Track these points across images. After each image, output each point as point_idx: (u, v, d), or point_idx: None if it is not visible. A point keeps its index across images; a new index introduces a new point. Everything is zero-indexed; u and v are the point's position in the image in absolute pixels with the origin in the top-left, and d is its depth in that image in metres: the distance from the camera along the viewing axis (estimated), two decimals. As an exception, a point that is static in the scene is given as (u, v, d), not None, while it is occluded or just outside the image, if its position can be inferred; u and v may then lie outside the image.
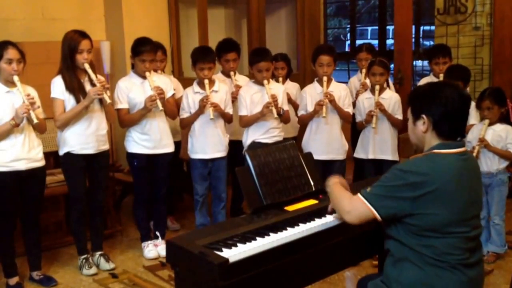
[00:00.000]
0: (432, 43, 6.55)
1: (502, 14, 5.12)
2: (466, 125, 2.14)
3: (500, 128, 3.74)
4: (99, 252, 3.90)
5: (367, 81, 4.26)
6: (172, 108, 4.00)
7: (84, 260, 3.80)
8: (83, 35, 3.58)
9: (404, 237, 2.03)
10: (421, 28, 7.48)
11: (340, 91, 4.07)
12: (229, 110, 4.09)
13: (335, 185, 2.26)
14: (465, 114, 2.08)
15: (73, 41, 3.54)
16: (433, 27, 6.03)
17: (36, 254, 3.69)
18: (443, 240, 1.97)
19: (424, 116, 2.06)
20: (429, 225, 1.97)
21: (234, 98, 4.20)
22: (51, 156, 4.42)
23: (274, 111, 3.83)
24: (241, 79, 4.45)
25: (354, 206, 2.06)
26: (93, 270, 3.77)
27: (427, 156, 2.04)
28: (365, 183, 3.09)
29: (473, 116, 3.95)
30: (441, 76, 4.21)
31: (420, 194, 1.94)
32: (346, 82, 4.81)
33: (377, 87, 3.98)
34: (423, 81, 4.65)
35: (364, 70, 4.46)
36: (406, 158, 4.27)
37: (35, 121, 3.31)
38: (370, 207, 2.01)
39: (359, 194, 2.07)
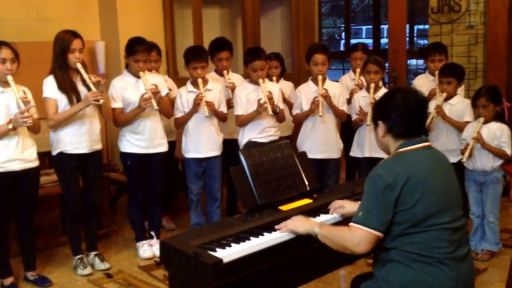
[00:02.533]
0: (426, 42, 6.57)
1: (495, 13, 5.13)
2: (424, 123, 2.20)
3: (495, 127, 3.75)
4: (93, 252, 3.90)
5: (362, 79, 4.27)
6: (167, 107, 3.99)
7: (78, 260, 3.80)
8: (75, 34, 3.58)
9: (387, 242, 2.05)
10: (415, 27, 7.49)
11: (334, 89, 4.08)
12: (223, 109, 4.09)
13: (323, 227, 2.18)
14: (420, 114, 2.16)
15: (64, 41, 3.54)
16: (427, 26, 6.05)
17: (31, 254, 3.68)
18: (426, 234, 2.00)
19: (379, 122, 2.18)
20: (410, 219, 2.00)
21: (232, 90, 4.19)
22: (45, 156, 4.41)
23: (269, 108, 3.83)
24: (234, 77, 4.45)
25: (359, 238, 2.03)
26: (88, 270, 3.77)
27: (393, 157, 2.11)
28: (358, 182, 3.10)
29: (468, 113, 3.97)
30: (437, 73, 4.22)
31: (399, 191, 1.98)
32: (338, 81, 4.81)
33: (372, 85, 4.00)
34: (417, 80, 4.67)
35: (358, 70, 4.47)
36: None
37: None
38: (371, 230, 2.01)
39: (354, 224, 2.05)
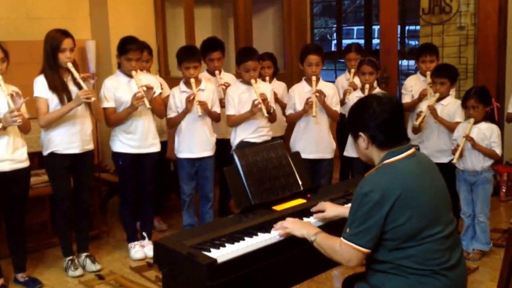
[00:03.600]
0: (417, 43, 6.60)
1: (486, 14, 5.17)
2: (404, 127, 2.17)
3: (484, 127, 3.77)
4: (85, 253, 3.87)
5: (356, 80, 4.28)
6: (159, 107, 3.97)
7: (69, 262, 3.76)
8: (65, 34, 3.55)
9: (381, 255, 2.03)
10: (406, 28, 7.53)
11: (328, 90, 4.09)
12: (216, 109, 4.08)
13: (319, 236, 2.14)
14: (399, 120, 2.11)
15: (55, 40, 3.51)
16: (418, 27, 6.08)
17: (21, 256, 3.65)
18: (421, 247, 1.98)
19: (361, 133, 2.10)
20: (403, 236, 1.97)
21: (225, 87, 4.18)
22: (36, 157, 4.36)
23: (264, 110, 3.83)
24: (227, 77, 4.45)
25: (348, 254, 2.02)
26: (79, 271, 3.74)
27: (379, 170, 2.06)
28: (352, 182, 3.11)
29: (458, 114, 3.99)
30: (428, 74, 4.24)
31: (388, 209, 1.95)
32: (332, 82, 4.83)
33: (367, 86, 4.02)
34: (409, 80, 4.69)
35: (353, 70, 4.48)
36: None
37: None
38: (358, 247, 1.99)
39: (343, 239, 2.03)
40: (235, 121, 4.01)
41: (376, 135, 2.07)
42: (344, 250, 2.03)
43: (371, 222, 1.96)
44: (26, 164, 3.52)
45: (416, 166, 2.06)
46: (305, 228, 2.21)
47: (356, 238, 1.99)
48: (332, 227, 2.31)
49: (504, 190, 5.07)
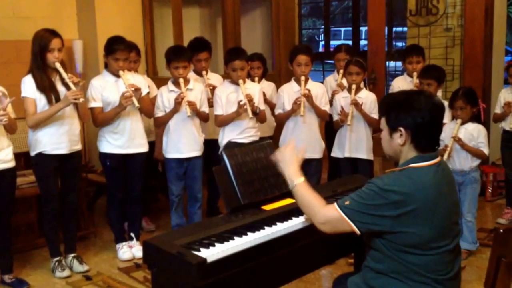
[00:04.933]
0: (404, 44, 6.65)
1: (472, 16, 5.22)
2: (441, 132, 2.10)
3: (471, 127, 3.81)
4: (72, 254, 3.84)
5: (344, 81, 4.30)
6: (147, 106, 3.96)
7: (57, 263, 3.73)
8: (54, 33, 3.52)
9: (385, 251, 1.98)
10: (394, 29, 7.59)
11: (317, 90, 4.10)
12: (205, 109, 4.08)
13: (301, 186, 2.11)
14: (441, 124, 2.05)
15: (43, 40, 3.48)
16: (405, 28, 6.12)
17: (8, 257, 3.61)
18: (426, 258, 1.94)
19: (401, 129, 1.99)
20: (410, 243, 1.93)
21: (212, 89, 4.18)
22: (22, 157, 4.33)
23: (249, 111, 3.83)
24: (213, 78, 4.45)
25: (330, 218, 1.98)
26: (66, 272, 3.71)
27: (405, 171, 1.97)
28: (340, 182, 3.12)
29: (445, 115, 4.01)
30: (415, 75, 4.27)
31: (401, 212, 1.90)
32: (321, 82, 4.84)
33: (354, 86, 4.03)
34: (396, 81, 4.73)
35: (341, 71, 4.50)
36: (380, 157, 4.35)
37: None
38: (349, 221, 1.95)
39: (336, 206, 1.99)
40: (222, 121, 4.01)
41: (419, 136, 1.97)
42: (329, 213, 1.99)
43: (377, 213, 1.92)
44: (11, 164, 3.48)
45: (441, 177, 1.99)
46: (292, 167, 2.17)
47: (351, 214, 1.95)
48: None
49: (490, 190, 5.12)
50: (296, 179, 2.14)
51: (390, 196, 1.90)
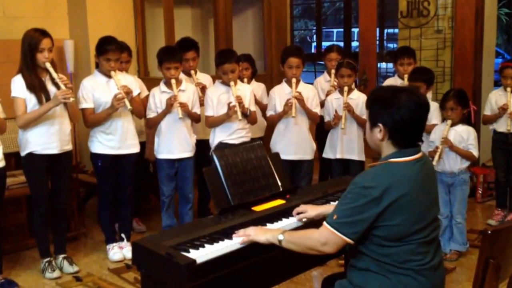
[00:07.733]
0: (395, 45, 6.68)
1: (463, 18, 5.26)
2: (424, 129, 2.09)
3: (461, 129, 3.83)
4: (62, 255, 3.82)
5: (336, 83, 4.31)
6: (138, 107, 3.95)
7: (47, 263, 3.71)
8: (44, 33, 3.51)
9: (366, 248, 2.01)
10: (385, 30, 7.62)
11: (308, 92, 4.11)
12: (197, 110, 4.07)
13: (287, 233, 2.11)
14: (422, 121, 2.03)
15: (33, 40, 3.46)
16: (396, 30, 6.15)
17: (-3, 258, 3.59)
18: (402, 248, 1.96)
19: (380, 124, 2.00)
20: (392, 235, 1.95)
21: (201, 89, 4.17)
22: (12, 157, 4.31)
23: (239, 112, 3.83)
24: (202, 78, 4.44)
25: (326, 238, 1.98)
26: (56, 273, 3.69)
27: (384, 166, 1.99)
28: (331, 183, 3.13)
29: (436, 116, 4.05)
30: (406, 77, 4.29)
31: (384, 207, 1.91)
32: (312, 83, 4.85)
33: (346, 88, 4.05)
34: (387, 82, 4.75)
35: (333, 71, 4.51)
36: (371, 159, 4.36)
37: None
38: (341, 236, 1.95)
39: (326, 224, 1.98)
40: (213, 122, 4.01)
41: (396, 132, 1.99)
42: (323, 233, 1.99)
43: (364, 216, 1.92)
44: (1, 164, 3.46)
45: (422, 171, 2.00)
46: (268, 232, 2.16)
47: (343, 228, 1.95)
48: (314, 226, 2.29)
49: (480, 192, 5.15)
50: (278, 235, 2.12)
51: (371, 193, 1.92)
